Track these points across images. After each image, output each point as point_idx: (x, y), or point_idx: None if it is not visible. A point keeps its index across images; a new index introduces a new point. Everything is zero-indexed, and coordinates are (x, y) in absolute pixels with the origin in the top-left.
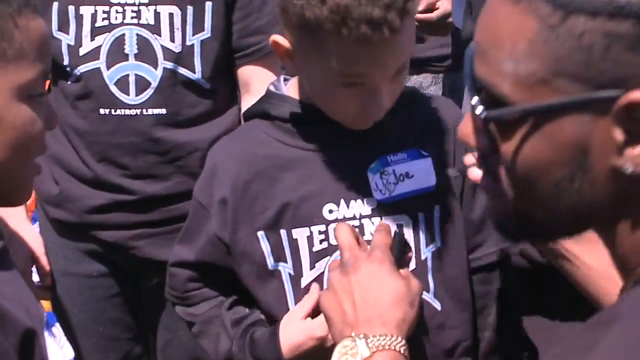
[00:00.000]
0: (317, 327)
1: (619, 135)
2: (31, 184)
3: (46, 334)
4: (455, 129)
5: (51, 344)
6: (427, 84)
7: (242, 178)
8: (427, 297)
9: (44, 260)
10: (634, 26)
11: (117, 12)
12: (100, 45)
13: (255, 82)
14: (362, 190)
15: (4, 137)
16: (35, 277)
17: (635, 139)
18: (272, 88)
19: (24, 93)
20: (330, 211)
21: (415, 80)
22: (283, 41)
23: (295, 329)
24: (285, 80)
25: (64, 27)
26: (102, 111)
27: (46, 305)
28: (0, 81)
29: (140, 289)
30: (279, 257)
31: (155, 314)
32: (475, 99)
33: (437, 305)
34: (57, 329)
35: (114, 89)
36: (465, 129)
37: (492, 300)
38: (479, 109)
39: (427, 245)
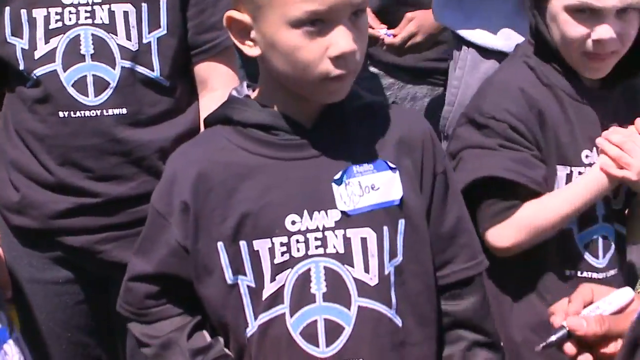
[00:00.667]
0: None
1: None
2: None
3: None
4: (425, 141)
5: None
6: (422, 94)
7: (202, 186)
8: (389, 313)
9: (2, 271)
10: None
11: (70, 13)
12: (56, 48)
13: (213, 79)
14: (326, 202)
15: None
16: None
17: None
18: (234, 93)
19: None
20: (293, 222)
21: (409, 90)
22: (239, 15)
23: None
24: (248, 86)
25: (17, 31)
26: (61, 114)
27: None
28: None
29: (109, 293)
30: (237, 269)
31: (124, 318)
32: None
33: (399, 321)
34: (9, 345)
35: (72, 91)
36: None
37: (459, 319)
38: None
39: (390, 260)
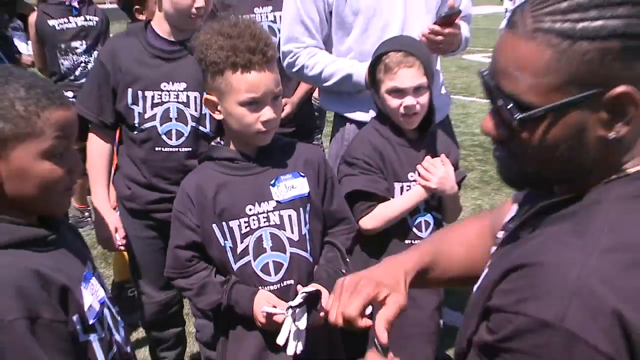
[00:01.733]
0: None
1: (606, 116)
2: (61, 205)
3: (83, 285)
4: (319, 162)
5: (86, 293)
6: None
7: (199, 193)
8: (306, 254)
9: (121, 231)
10: (620, 42)
11: (165, 94)
12: (156, 113)
13: None
14: (267, 196)
15: (32, 183)
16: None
17: (618, 117)
18: (214, 143)
19: (45, 155)
20: (250, 209)
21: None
22: (211, 97)
23: (263, 303)
24: (222, 140)
25: (135, 102)
26: (156, 149)
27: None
28: (27, 150)
29: None
30: (224, 238)
31: None
32: (508, 107)
33: (311, 258)
34: (94, 280)
35: (164, 137)
36: (487, 125)
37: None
38: (514, 113)
39: (304, 226)
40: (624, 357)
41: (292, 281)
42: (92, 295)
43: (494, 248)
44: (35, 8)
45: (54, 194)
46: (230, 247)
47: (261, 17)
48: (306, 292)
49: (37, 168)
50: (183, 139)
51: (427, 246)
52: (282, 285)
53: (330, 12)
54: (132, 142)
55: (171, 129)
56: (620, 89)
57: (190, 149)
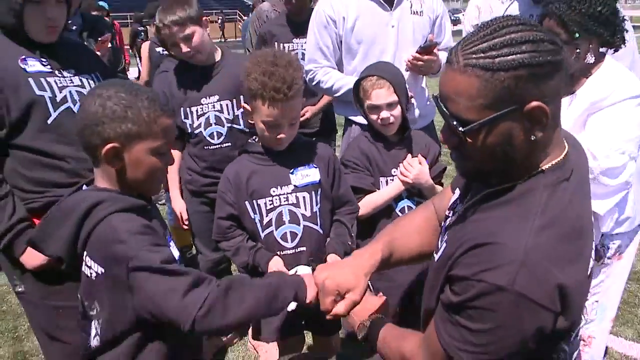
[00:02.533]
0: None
1: (526, 125)
2: (156, 189)
3: (170, 243)
4: (329, 157)
5: (174, 250)
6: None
7: (237, 178)
8: (316, 227)
9: (185, 213)
10: (527, 70)
11: (206, 107)
12: (201, 123)
13: None
14: (288, 181)
15: (142, 171)
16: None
17: (536, 125)
18: (250, 140)
19: (154, 152)
20: (273, 191)
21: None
22: (247, 107)
23: (274, 265)
24: (255, 137)
25: (186, 117)
26: (205, 147)
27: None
28: (144, 146)
29: None
30: (254, 212)
31: None
32: (454, 123)
33: (321, 230)
34: (171, 243)
35: (208, 138)
36: (444, 136)
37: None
38: (459, 127)
39: (316, 205)
40: (557, 304)
41: (304, 248)
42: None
43: (444, 225)
44: None
45: (154, 180)
46: (258, 219)
47: (298, 45)
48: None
49: (148, 161)
50: (222, 137)
51: (385, 238)
52: (296, 251)
53: (341, 41)
54: (189, 144)
55: (213, 132)
56: (534, 104)
57: (230, 144)
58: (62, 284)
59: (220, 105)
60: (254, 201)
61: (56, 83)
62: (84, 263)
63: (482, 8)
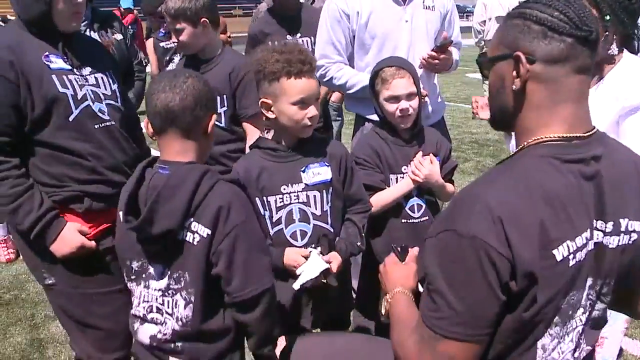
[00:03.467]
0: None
1: (513, 72)
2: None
3: None
4: (342, 155)
5: None
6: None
7: (247, 173)
8: (327, 225)
9: None
10: (523, 20)
11: None
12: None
13: (247, 130)
14: (299, 179)
15: (212, 142)
16: None
17: (517, 75)
18: (261, 135)
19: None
20: (284, 188)
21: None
22: (266, 100)
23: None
24: (267, 131)
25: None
26: None
27: None
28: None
29: None
30: (264, 208)
31: None
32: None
33: (331, 229)
34: None
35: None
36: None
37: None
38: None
39: (327, 204)
40: (506, 248)
41: (313, 246)
42: None
43: None
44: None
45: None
46: (268, 216)
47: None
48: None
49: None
50: None
51: None
52: (306, 249)
53: (354, 36)
54: None
55: None
56: (518, 53)
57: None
58: (93, 275)
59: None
60: (265, 198)
61: (76, 81)
62: (186, 231)
63: (489, 4)
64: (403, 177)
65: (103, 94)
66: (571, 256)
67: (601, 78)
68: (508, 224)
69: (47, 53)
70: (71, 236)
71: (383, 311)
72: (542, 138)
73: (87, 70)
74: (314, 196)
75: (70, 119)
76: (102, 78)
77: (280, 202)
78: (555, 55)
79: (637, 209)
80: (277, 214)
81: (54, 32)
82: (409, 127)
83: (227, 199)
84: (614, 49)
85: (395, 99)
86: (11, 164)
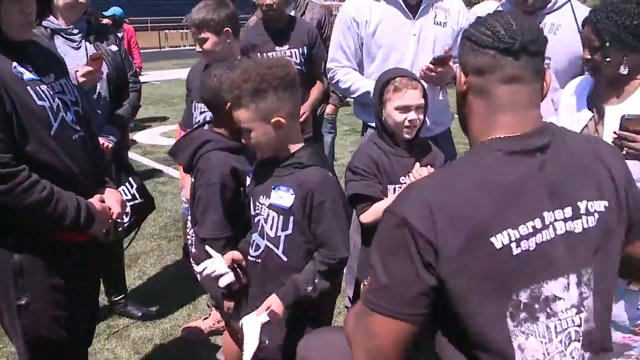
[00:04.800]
0: None
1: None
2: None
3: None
4: (311, 188)
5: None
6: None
7: (245, 169)
8: (276, 250)
9: None
10: (467, 40)
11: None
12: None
13: None
14: (268, 195)
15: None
16: None
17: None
18: None
19: None
20: (260, 198)
21: None
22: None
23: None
24: None
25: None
26: None
27: None
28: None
29: None
30: (249, 208)
31: None
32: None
33: (285, 258)
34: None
35: None
36: None
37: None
38: None
39: (282, 230)
40: (431, 233)
41: (260, 262)
42: None
43: None
44: None
45: None
46: (252, 217)
47: (280, 53)
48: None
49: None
50: None
51: None
52: (255, 261)
53: (362, 44)
54: None
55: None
56: (458, 67)
57: None
58: (72, 295)
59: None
60: (251, 198)
61: (48, 91)
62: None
63: (484, 14)
64: (401, 187)
65: (70, 100)
66: (514, 244)
67: (619, 96)
68: (437, 211)
69: (14, 64)
70: (103, 210)
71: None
72: (487, 139)
73: (51, 77)
74: (273, 217)
75: (52, 132)
76: (65, 84)
77: (257, 209)
78: (482, 66)
79: (597, 191)
80: (254, 218)
81: (7, 42)
82: (409, 138)
83: (209, 167)
84: (622, 70)
85: (406, 108)
86: (26, 172)
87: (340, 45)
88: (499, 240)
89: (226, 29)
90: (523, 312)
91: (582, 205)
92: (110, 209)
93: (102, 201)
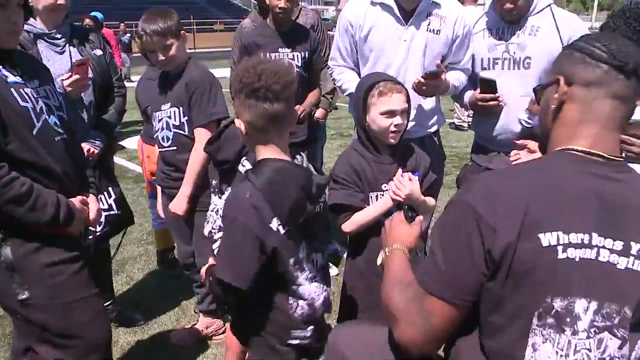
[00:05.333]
0: None
1: (555, 94)
2: None
3: None
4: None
5: None
6: None
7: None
8: None
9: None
10: (577, 52)
11: (163, 112)
12: (159, 127)
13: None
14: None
15: None
16: None
17: (556, 93)
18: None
19: None
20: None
21: None
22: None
23: None
24: None
25: (153, 120)
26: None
27: None
28: None
29: None
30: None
31: None
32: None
33: None
34: None
35: (161, 141)
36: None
37: None
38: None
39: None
40: (492, 218)
41: None
42: None
43: None
44: None
45: None
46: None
47: (283, 55)
48: None
49: None
50: (170, 141)
51: None
52: None
53: (357, 46)
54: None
55: (164, 136)
56: (558, 76)
57: (175, 148)
58: (67, 282)
59: (170, 112)
60: None
61: (32, 94)
62: (240, 164)
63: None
64: (383, 195)
65: (54, 105)
66: (560, 247)
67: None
68: (498, 200)
69: (0, 67)
70: (82, 211)
71: (379, 262)
72: (566, 148)
73: (35, 83)
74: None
75: (34, 132)
76: (50, 90)
77: None
78: (591, 79)
79: None
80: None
81: None
82: (394, 144)
83: None
84: None
85: (392, 113)
86: (5, 168)
87: (337, 45)
88: (546, 239)
89: (182, 32)
90: (552, 318)
91: (635, 246)
92: (88, 213)
93: (84, 203)
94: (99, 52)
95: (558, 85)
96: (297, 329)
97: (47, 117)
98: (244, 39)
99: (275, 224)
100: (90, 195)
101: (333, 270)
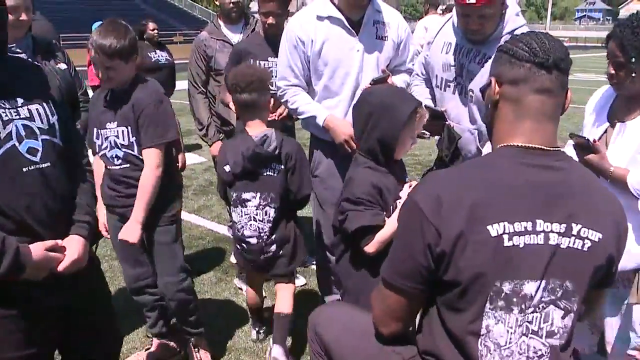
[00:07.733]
0: None
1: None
2: None
3: None
4: None
5: None
6: None
7: None
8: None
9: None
10: (504, 53)
11: (109, 131)
12: (106, 145)
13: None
14: None
15: None
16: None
17: (491, 93)
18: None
19: None
20: None
21: None
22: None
23: None
24: None
25: (97, 137)
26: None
27: None
28: None
29: None
30: None
31: None
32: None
33: None
34: None
35: (109, 160)
36: None
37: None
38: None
39: None
40: (436, 217)
41: None
42: None
43: None
44: None
45: None
46: None
47: (273, 63)
48: None
49: None
50: (120, 160)
51: None
52: None
53: (309, 62)
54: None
55: (113, 154)
56: (491, 77)
57: (127, 165)
58: (9, 335)
59: (117, 131)
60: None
61: (1, 117)
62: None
63: (430, 27)
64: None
65: (39, 128)
66: (506, 236)
67: (623, 121)
68: (443, 199)
69: None
70: (43, 259)
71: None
72: (506, 145)
73: (17, 102)
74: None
75: None
76: (37, 110)
77: None
78: (517, 77)
79: (594, 221)
80: None
81: None
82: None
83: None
84: None
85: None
86: None
87: (288, 64)
88: (494, 229)
89: (135, 56)
90: (502, 300)
91: (575, 227)
92: (57, 259)
93: (53, 249)
94: (63, 66)
95: (491, 85)
96: None
97: (16, 144)
98: (240, 43)
99: None
100: (74, 236)
101: (300, 281)
